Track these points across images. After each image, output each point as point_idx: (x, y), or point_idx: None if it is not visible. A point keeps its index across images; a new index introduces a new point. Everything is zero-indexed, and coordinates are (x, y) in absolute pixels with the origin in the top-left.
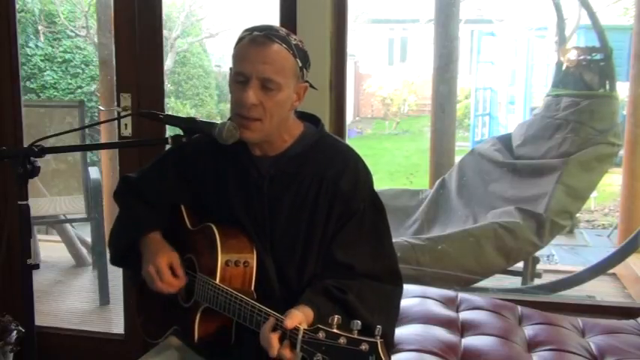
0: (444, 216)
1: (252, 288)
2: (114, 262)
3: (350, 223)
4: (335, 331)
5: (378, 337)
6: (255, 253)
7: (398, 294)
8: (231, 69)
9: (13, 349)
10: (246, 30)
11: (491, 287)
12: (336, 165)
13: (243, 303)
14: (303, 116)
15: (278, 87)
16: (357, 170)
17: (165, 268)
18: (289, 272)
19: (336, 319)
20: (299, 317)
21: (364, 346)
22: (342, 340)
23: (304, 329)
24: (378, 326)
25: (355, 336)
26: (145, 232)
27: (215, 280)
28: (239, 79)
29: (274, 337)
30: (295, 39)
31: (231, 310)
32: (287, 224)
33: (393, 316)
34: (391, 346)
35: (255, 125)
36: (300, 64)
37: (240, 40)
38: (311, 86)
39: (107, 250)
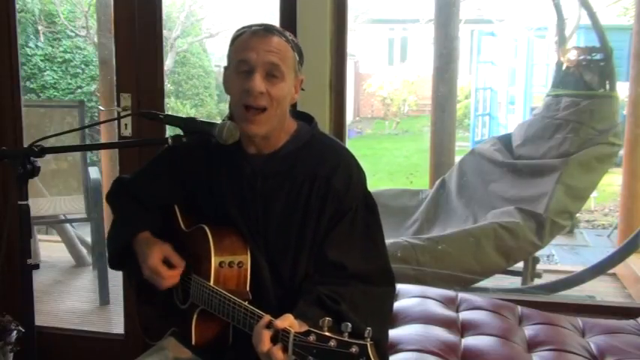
0: (444, 216)
1: (247, 289)
2: (111, 266)
3: (342, 223)
4: (326, 333)
5: (368, 340)
6: (249, 253)
7: (390, 295)
8: (225, 67)
9: (13, 349)
10: (243, 28)
11: (492, 287)
12: (329, 163)
13: (236, 306)
14: (296, 115)
15: (282, 76)
16: (350, 169)
17: (160, 266)
18: (283, 271)
19: (326, 321)
20: (290, 319)
21: (354, 349)
22: (332, 343)
23: (295, 332)
24: (368, 328)
25: (346, 338)
26: (135, 232)
27: (209, 282)
28: (242, 68)
29: (266, 334)
30: (290, 35)
31: (225, 312)
32: (280, 223)
33: (386, 319)
34: (385, 349)
35: (261, 117)
36: (298, 59)
37: (238, 36)
38: (301, 88)
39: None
